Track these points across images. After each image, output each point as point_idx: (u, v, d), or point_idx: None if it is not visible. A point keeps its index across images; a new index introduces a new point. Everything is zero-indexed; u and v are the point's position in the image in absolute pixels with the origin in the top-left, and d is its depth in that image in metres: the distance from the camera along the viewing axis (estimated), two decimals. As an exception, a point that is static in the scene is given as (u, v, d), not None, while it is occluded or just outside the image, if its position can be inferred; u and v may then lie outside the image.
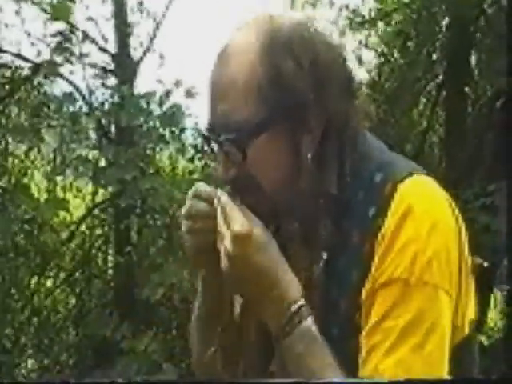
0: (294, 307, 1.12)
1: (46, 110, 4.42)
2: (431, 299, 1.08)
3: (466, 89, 5.51)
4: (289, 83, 1.13)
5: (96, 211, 5.72)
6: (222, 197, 1.16)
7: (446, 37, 5.52)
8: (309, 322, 1.12)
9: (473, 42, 5.43)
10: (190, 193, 1.22)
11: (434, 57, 5.77)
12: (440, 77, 5.67)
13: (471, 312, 1.19)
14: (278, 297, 1.13)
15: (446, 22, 5.49)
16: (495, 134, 5.19)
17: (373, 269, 1.10)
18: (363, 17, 5.72)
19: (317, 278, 1.16)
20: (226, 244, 1.12)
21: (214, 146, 1.21)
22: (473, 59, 5.56)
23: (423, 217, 1.10)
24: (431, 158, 5.89)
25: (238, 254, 1.11)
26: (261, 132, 1.14)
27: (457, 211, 1.17)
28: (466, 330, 1.18)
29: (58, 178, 5.74)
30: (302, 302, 1.13)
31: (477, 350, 1.26)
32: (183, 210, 1.22)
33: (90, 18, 4.91)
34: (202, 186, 1.21)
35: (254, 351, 1.31)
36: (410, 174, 1.14)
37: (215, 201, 1.16)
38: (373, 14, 5.80)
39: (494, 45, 5.16)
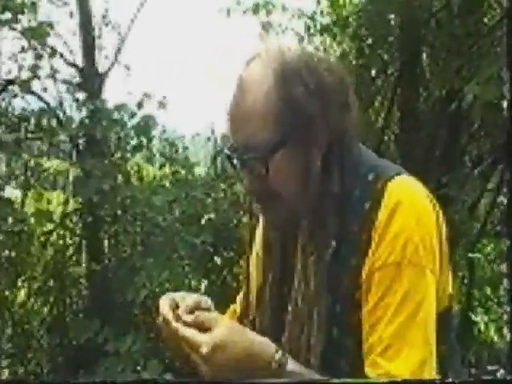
0: (275, 360, 1.29)
1: (25, 124, 4.55)
2: (420, 277, 1.30)
3: (419, 88, 5.75)
4: (299, 107, 1.33)
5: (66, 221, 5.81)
6: (180, 328, 1.31)
7: (398, 38, 5.75)
8: (290, 366, 1.30)
9: (424, 42, 5.66)
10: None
11: (388, 58, 5.99)
12: (394, 76, 5.90)
13: (450, 287, 1.42)
14: (258, 361, 1.29)
15: (397, 24, 5.72)
16: (448, 131, 5.46)
17: (370, 253, 1.32)
18: (320, 23, 5.92)
19: (325, 262, 1.37)
20: (199, 362, 1.28)
21: (236, 163, 1.41)
22: (424, 59, 5.80)
23: (410, 210, 1.32)
24: (388, 155, 6.11)
25: (212, 364, 1.26)
26: (278, 149, 1.34)
27: (436, 205, 1.40)
28: (446, 302, 1.41)
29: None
30: (278, 355, 1.30)
31: (455, 319, 1.50)
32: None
33: (57, 34, 5.02)
34: (161, 305, 1.39)
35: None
36: (397, 174, 1.37)
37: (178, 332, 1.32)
38: (328, 19, 6.01)
39: (444, 45, 5.41)
